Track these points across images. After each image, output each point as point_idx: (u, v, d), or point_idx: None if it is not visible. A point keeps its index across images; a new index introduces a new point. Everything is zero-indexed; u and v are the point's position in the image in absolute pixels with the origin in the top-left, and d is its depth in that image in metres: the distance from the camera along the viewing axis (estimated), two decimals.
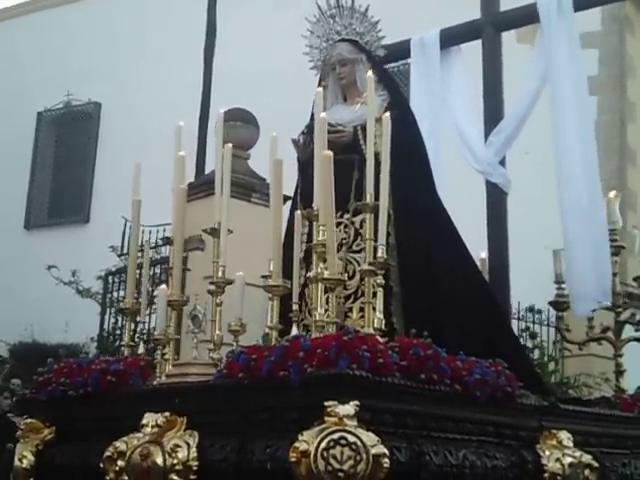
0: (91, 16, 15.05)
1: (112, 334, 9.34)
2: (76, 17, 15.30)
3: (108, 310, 9.63)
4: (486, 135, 6.07)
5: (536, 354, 5.89)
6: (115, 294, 9.62)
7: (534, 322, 7.81)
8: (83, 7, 15.39)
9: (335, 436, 3.06)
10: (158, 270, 8.06)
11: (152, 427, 3.48)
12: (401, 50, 6.50)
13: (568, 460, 4.07)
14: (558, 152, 5.69)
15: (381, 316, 3.64)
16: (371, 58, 4.87)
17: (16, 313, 12.40)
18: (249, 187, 7.96)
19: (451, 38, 6.39)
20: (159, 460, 3.44)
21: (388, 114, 3.99)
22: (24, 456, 3.93)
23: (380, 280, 3.68)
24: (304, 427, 3.14)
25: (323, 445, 3.06)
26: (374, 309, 3.71)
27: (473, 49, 6.37)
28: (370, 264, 3.68)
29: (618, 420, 4.77)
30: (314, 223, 3.85)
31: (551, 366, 5.77)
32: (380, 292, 3.67)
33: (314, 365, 3.18)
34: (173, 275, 4.10)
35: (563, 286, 5.56)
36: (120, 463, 3.52)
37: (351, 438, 3.07)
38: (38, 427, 4.05)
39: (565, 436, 4.14)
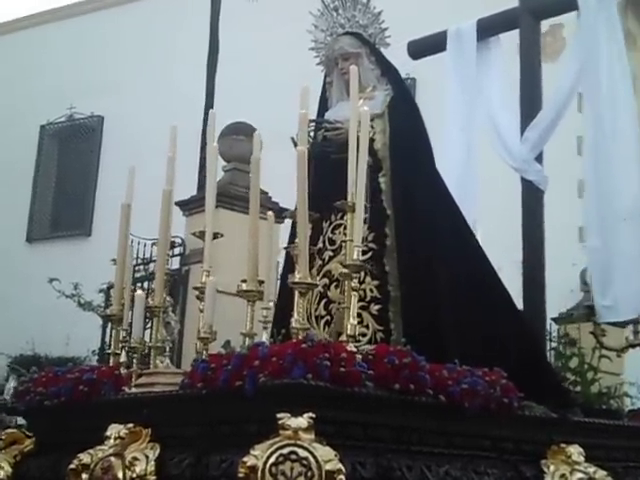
0: (94, 30, 15.02)
1: None
2: (79, 31, 15.27)
3: (109, 323, 9.52)
4: (522, 130, 5.77)
5: (574, 362, 5.52)
6: None
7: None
8: (86, 21, 15.38)
9: (285, 451, 2.86)
10: None
11: (115, 439, 3.34)
12: (437, 42, 6.26)
13: (577, 476, 3.80)
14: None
15: (355, 322, 3.41)
16: (374, 51, 4.63)
17: (17, 326, 12.36)
18: None
19: (488, 28, 6.13)
20: (120, 474, 3.29)
21: (367, 109, 3.75)
22: (1, 467, 3.83)
23: (354, 284, 3.44)
24: (262, 441, 2.95)
25: (272, 460, 2.85)
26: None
27: (511, 41, 6.09)
28: (345, 266, 3.47)
29: None
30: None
31: (590, 375, 5.41)
32: (354, 297, 3.44)
33: (268, 374, 2.99)
34: (156, 278, 3.94)
35: None
36: (84, 476, 3.38)
37: (302, 453, 2.86)
38: (20, 437, 3.96)
39: (575, 450, 3.86)
